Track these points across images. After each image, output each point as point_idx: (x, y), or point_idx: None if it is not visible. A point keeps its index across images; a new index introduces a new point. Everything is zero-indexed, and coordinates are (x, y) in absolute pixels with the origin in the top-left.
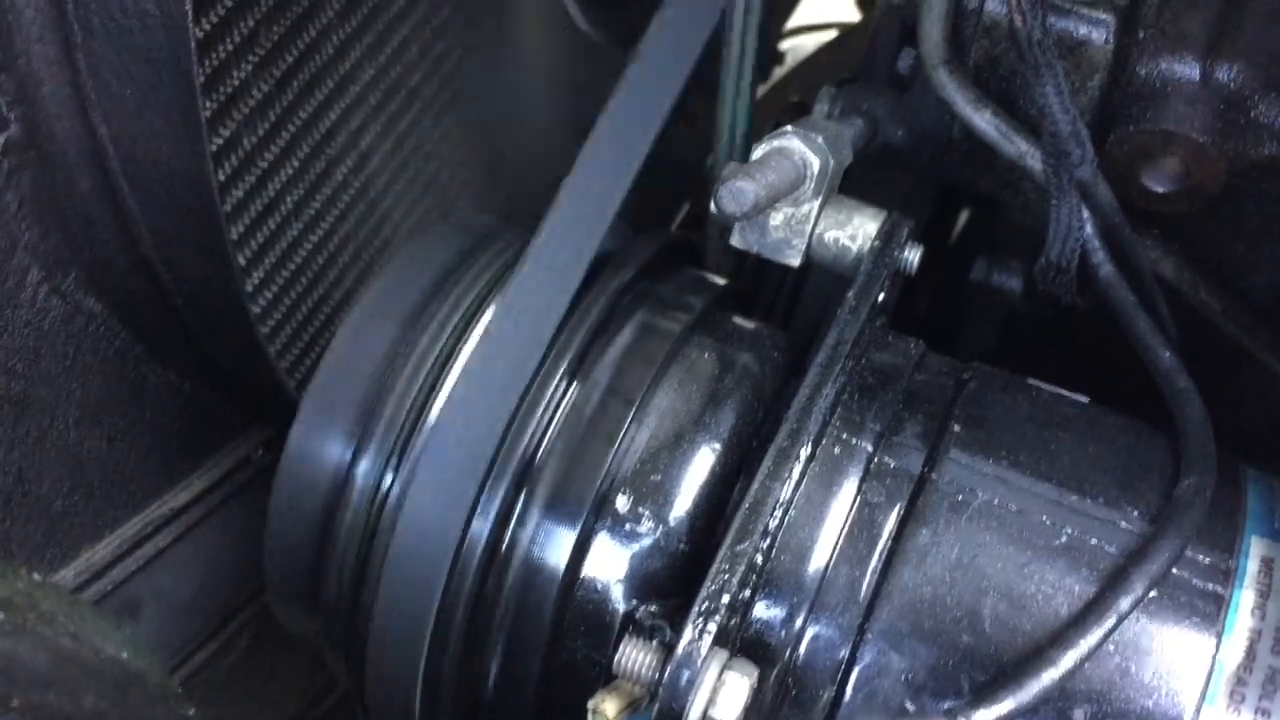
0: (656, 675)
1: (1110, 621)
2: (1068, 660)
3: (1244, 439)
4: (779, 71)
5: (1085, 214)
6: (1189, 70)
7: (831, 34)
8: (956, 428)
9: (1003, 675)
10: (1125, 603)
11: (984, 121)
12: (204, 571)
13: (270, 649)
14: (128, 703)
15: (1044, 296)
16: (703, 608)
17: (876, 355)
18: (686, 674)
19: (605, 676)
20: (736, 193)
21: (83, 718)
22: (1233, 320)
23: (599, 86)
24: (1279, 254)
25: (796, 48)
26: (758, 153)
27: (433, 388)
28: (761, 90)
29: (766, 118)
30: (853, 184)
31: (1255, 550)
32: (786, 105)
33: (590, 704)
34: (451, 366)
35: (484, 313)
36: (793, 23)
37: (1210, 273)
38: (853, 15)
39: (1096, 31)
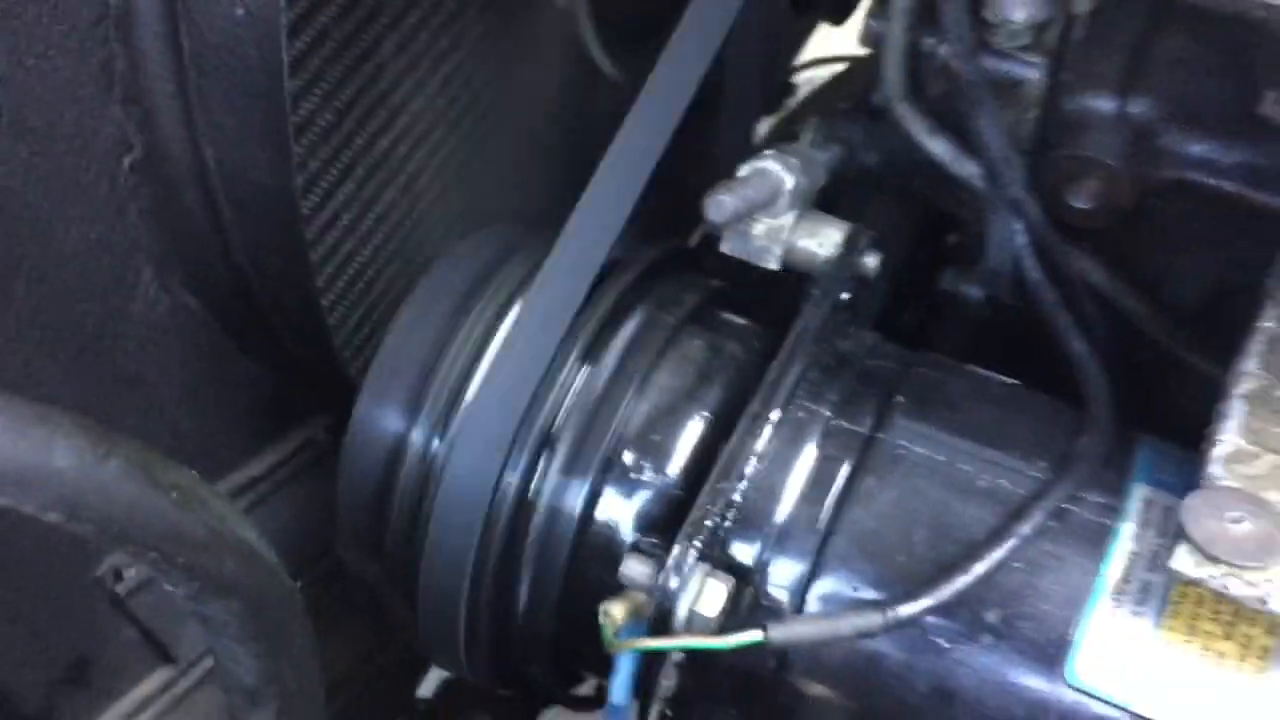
0: (652, 582)
1: (1012, 542)
2: (977, 569)
3: (1174, 428)
4: (790, 103)
5: (1018, 226)
6: (1106, 105)
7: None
8: (900, 399)
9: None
10: (1026, 528)
11: (938, 147)
12: (271, 538)
13: (328, 609)
14: (254, 571)
15: (1000, 302)
16: (690, 529)
17: (838, 342)
18: (676, 579)
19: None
20: (718, 204)
21: (223, 578)
22: (1157, 324)
23: (616, 120)
24: (1193, 264)
25: (811, 80)
26: (741, 172)
27: (470, 370)
28: (773, 120)
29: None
30: (846, 206)
31: (1138, 494)
32: (782, 133)
33: (601, 607)
34: (486, 352)
35: (513, 307)
36: (809, 55)
37: (1136, 281)
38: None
39: (1031, 72)
